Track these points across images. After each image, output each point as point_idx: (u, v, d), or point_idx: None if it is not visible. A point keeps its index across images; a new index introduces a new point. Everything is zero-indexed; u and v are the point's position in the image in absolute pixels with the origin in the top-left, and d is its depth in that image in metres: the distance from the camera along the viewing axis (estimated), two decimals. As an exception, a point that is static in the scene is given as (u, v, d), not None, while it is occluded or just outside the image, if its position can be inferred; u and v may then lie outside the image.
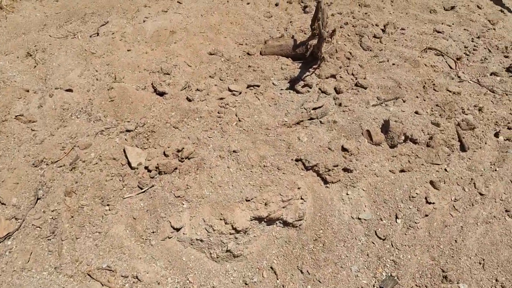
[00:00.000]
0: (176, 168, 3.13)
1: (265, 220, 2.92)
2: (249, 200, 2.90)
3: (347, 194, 3.12)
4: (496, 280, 2.75)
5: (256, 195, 2.92)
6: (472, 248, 2.87)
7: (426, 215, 3.01)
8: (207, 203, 2.89)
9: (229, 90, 3.80)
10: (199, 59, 4.20)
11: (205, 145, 3.29)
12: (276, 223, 2.99)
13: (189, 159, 3.19)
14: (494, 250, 2.86)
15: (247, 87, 3.90)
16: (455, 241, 2.91)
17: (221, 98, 3.72)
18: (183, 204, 2.89)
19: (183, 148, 3.20)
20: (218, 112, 3.58)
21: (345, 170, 3.19)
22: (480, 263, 2.82)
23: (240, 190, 2.95)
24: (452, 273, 2.78)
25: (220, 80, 3.97)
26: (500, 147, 3.37)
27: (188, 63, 4.13)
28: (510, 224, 2.94)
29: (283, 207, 2.96)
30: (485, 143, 3.40)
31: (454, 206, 3.03)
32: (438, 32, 4.74)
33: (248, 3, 5.12)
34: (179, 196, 2.92)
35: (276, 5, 5.15)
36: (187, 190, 2.96)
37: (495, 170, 3.17)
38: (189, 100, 3.69)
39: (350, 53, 4.29)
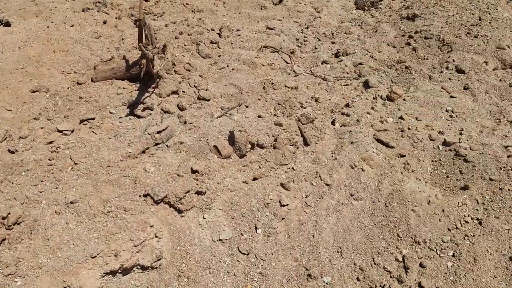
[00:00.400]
0: (4, 240, 2.66)
1: (119, 271, 2.66)
2: (95, 256, 2.60)
3: (204, 218, 3.01)
4: (354, 264, 2.92)
5: (103, 248, 2.64)
6: (328, 239, 3.01)
7: (283, 218, 3.06)
8: (45, 273, 2.51)
9: (58, 130, 3.38)
10: (20, 100, 3.67)
11: (36, 203, 2.87)
12: (134, 270, 2.74)
13: (18, 224, 2.74)
14: (347, 236, 3.03)
15: (80, 122, 3.52)
16: (313, 236, 3.02)
17: (51, 142, 3.29)
18: (17, 282, 2.47)
19: (9, 214, 2.73)
20: (48, 159, 3.15)
21: (198, 193, 3.07)
22: (338, 252, 2.97)
23: (83, 247, 2.63)
24: (315, 269, 2.88)
25: (48, 120, 3.52)
26: (338, 134, 3.60)
27: (6, 107, 3.57)
28: (356, 207, 3.15)
29: (137, 252, 2.73)
30: (325, 133, 3.59)
31: (306, 203, 3.14)
32: (270, 28, 4.89)
33: (72, 26, 4.63)
34: (9, 274, 2.49)
35: (104, 22, 4.76)
36: (18, 264, 2.53)
37: (336, 158, 3.36)
38: (12, 152, 3.19)
39: (189, 64, 4.17)
